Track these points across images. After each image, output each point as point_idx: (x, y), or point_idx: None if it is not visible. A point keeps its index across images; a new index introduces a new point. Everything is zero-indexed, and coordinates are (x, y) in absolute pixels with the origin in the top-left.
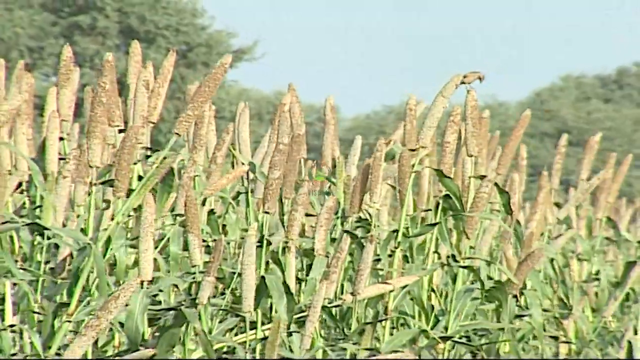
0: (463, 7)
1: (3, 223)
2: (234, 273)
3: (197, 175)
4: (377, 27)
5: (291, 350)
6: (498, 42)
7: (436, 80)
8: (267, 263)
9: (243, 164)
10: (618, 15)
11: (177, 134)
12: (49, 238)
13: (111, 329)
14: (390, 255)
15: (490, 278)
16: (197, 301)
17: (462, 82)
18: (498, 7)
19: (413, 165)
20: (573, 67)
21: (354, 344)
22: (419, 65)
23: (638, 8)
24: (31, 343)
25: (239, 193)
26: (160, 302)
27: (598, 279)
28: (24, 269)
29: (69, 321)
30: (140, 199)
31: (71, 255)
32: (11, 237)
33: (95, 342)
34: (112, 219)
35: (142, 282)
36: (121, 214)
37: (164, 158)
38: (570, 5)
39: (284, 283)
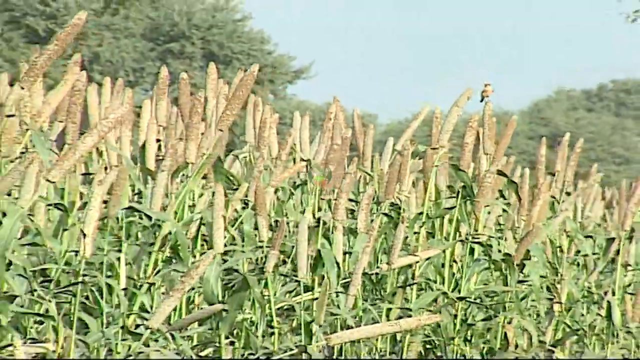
0: (463, 7)
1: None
2: (293, 247)
3: (264, 169)
4: (377, 27)
5: (338, 307)
6: (498, 42)
7: (436, 80)
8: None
9: (302, 160)
10: (618, 15)
11: (221, 129)
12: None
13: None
14: (416, 233)
15: (499, 251)
16: (264, 269)
17: (482, 96)
18: (498, 8)
19: (433, 162)
20: (573, 66)
21: (388, 303)
22: (419, 65)
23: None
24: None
25: (295, 184)
26: (236, 271)
27: (586, 255)
28: (137, 245)
29: (148, 283)
30: (196, 183)
31: (169, 233)
32: (118, 219)
33: (188, 301)
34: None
35: (214, 255)
36: (182, 194)
37: (211, 152)
38: (569, 5)
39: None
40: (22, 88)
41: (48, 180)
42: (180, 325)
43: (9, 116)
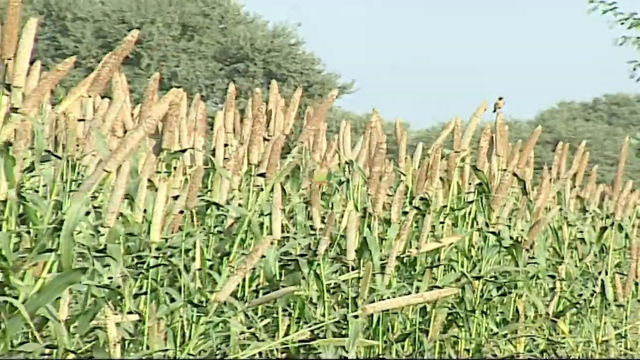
0: (471, 13)
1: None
2: (337, 234)
3: (314, 169)
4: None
5: (375, 283)
6: (506, 48)
7: (443, 84)
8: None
9: (346, 162)
10: (622, 30)
11: (302, 142)
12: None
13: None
14: (442, 222)
15: (511, 238)
16: (316, 253)
17: (495, 107)
18: (506, 12)
19: (456, 163)
20: (580, 72)
21: (418, 281)
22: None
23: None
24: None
25: (340, 180)
26: (290, 254)
27: (583, 239)
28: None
29: (231, 266)
30: (279, 183)
31: (234, 222)
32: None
33: (252, 277)
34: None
35: (272, 241)
36: (267, 192)
37: (293, 158)
38: (578, 9)
39: None
40: (90, 96)
41: (105, 170)
42: (259, 302)
43: (80, 120)
